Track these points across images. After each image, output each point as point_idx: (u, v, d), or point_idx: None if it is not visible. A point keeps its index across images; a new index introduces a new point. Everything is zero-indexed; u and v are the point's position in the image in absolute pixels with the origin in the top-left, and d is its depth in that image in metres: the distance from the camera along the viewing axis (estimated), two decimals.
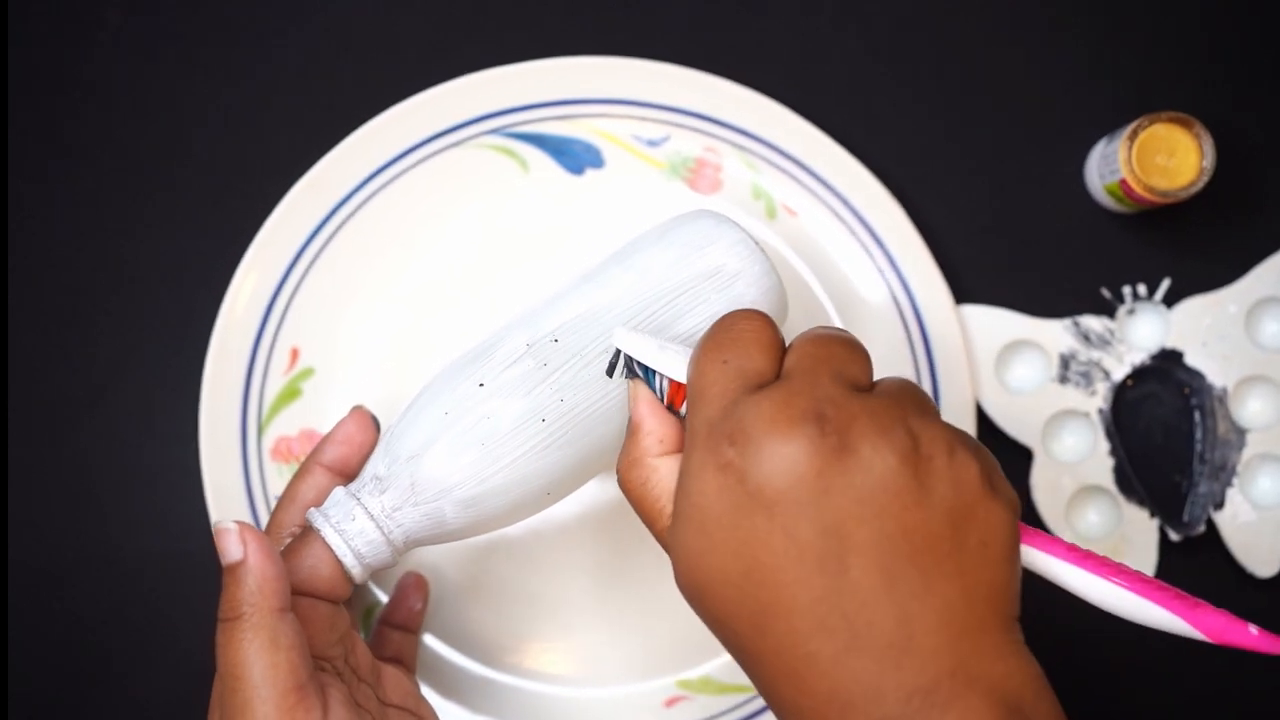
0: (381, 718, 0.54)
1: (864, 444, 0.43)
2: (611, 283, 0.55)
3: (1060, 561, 0.46)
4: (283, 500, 0.58)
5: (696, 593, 0.46)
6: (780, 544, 0.43)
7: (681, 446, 0.50)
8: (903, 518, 0.43)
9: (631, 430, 0.50)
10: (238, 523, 0.50)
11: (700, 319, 0.55)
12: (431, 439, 0.53)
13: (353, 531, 0.53)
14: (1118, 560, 0.65)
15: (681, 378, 0.49)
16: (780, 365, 0.47)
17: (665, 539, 0.49)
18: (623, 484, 0.50)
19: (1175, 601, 0.45)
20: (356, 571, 0.53)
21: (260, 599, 0.49)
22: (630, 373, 0.51)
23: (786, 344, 0.48)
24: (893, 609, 0.43)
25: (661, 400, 0.50)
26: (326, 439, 0.59)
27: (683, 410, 0.50)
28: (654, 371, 0.50)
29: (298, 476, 0.58)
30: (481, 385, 0.53)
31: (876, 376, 0.48)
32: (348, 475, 0.58)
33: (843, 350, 0.47)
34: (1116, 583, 0.46)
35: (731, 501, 0.44)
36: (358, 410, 0.59)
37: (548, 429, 0.53)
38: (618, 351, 0.51)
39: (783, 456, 0.43)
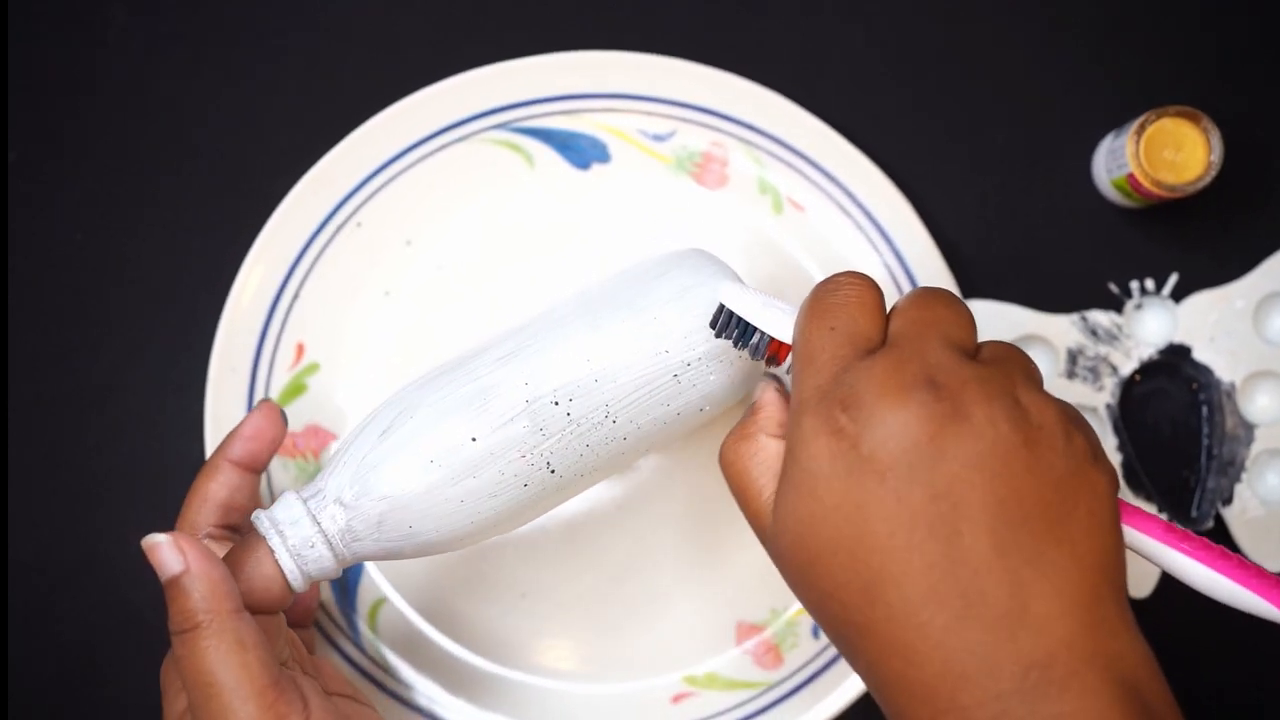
0: (329, 705, 0.53)
1: (977, 410, 0.44)
2: (623, 341, 0.54)
3: (1158, 543, 0.46)
4: (193, 500, 0.56)
5: (805, 563, 0.46)
6: (893, 509, 0.44)
7: (784, 425, 0.50)
8: (1015, 484, 0.43)
9: (753, 410, 0.51)
10: (168, 534, 0.49)
11: (697, 395, 0.54)
12: (411, 486, 0.52)
13: (309, 557, 0.52)
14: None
15: (785, 338, 0.50)
16: (886, 328, 0.47)
17: (761, 517, 0.49)
18: (727, 456, 0.50)
19: (1273, 590, 0.45)
20: (299, 586, 0.52)
21: (214, 603, 0.48)
22: (730, 328, 0.51)
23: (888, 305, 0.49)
24: (1006, 576, 0.43)
25: (761, 356, 0.51)
26: (234, 435, 0.57)
27: (784, 366, 0.51)
28: (754, 328, 0.51)
29: (206, 475, 0.56)
30: (474, 440, 0.52)
31: None
32: (256, 470, 0.57)
33: (948, 314, 0.47)
34: (1214, 567, 0.46)
35: (844, 466, 0.44)
36: (266, 404, 0.58)
37: (527, 493, 0.53)
38: (721, 306, 0.52)
39: (897, 421, 0.44)
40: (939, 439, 0.43)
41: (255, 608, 0.51)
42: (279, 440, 0.58)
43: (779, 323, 0.51)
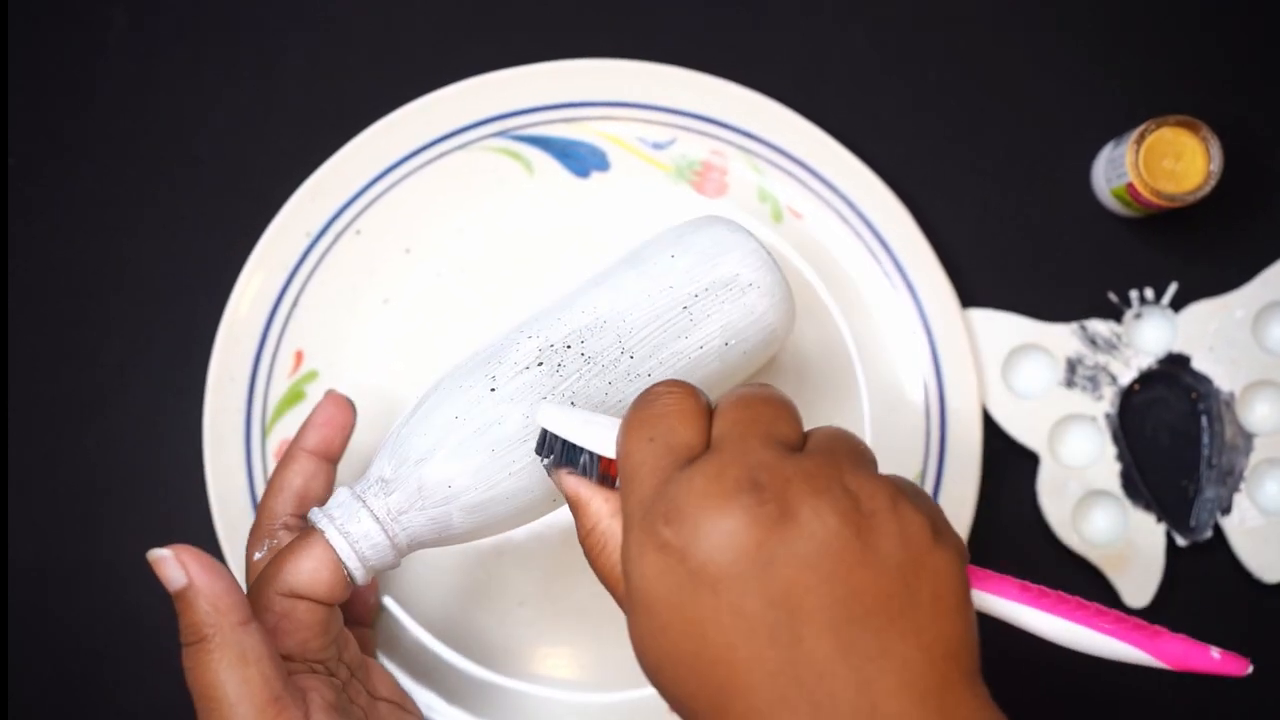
0: (372, 711, 0.55)
1: (803, 507, 0.42)
2: (625, 288, 0.55)
3: (1013, 603, 0.45)
4: (271, 489, 0.57)
5: (653, 674, 0.45)
6: (729, 620, 0.42)
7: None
8: (850, 580, 0.42)
9: (574, 506, 0.49)
10: (172, 548, 0.49)
11: (714, 327, 0.55)
12: (441, 443, 0.53)
13: (358, 534, 0.53)
14: (1123, 567, 0.65)
15: (609, 453, 0.48)
16: (708, 434, 0.46)
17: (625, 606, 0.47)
18: (586, 555, 0.49)
19: (1134, 632, 0.45)
20: (359, 574, 0.53)
21: (218, 617, 0.48)
22: (556, 450, 0.50)
23: (712, 405, 0.47)
24: (851, 675, 0.41)
25: (593, 475, 0.49)
26: (307, 424, 0.58)
27: (617, 483, 0.48)
28: (579, 448, 0.49)
29: (283, 464, 0.58)
30: (493, 390, 0.53)
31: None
32: (331, 458, 0.58)
33: (769, 410, 0.46)
34: (1072, 619, 0.45)
35: (675, 582, 0.43)
36: (332, 393, 0.59)
37: None
38: (544, 431, 0.50)
39: (721, 531, 0.42)
40: (767, 544, 0.42)
41: (309, 595, 0.52)
42: (350, 426, 0.59)
43: (602, 439, 0.49)
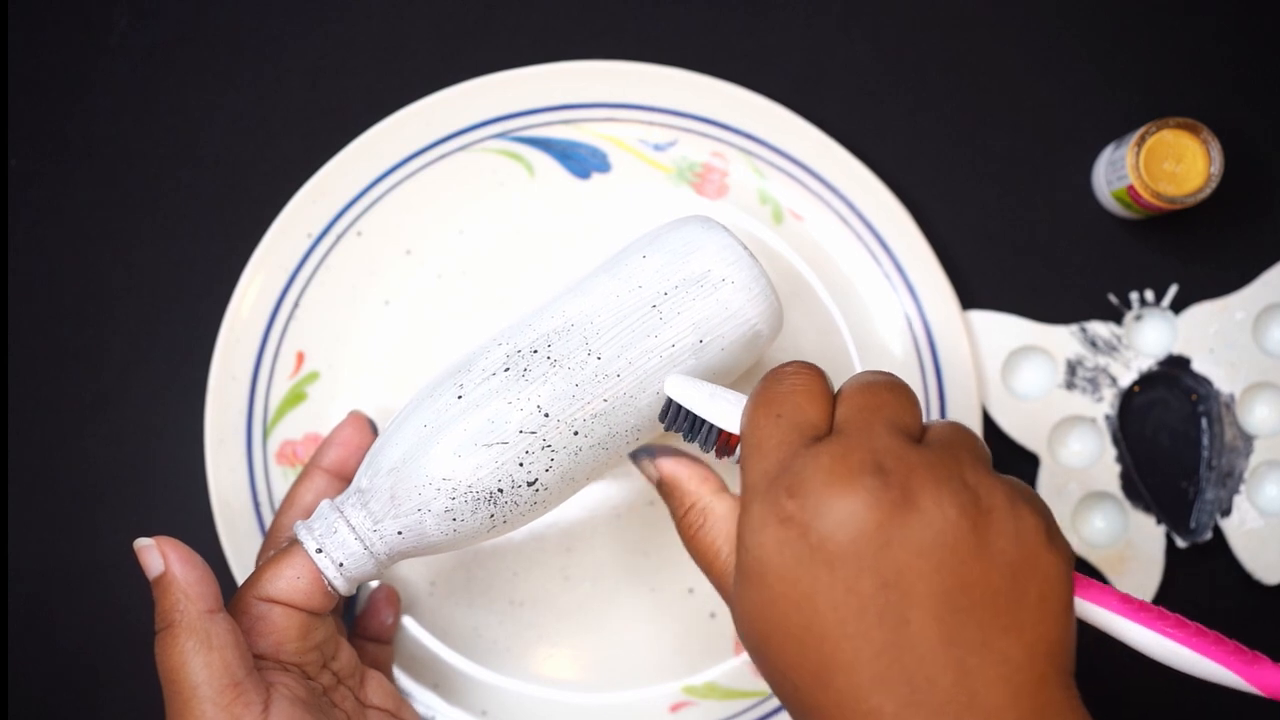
0: (359, 716, 0.56)
1: (925, 496, 0.44)
2: (594, 291, 0.55)
3: (1113, 614, 0.46)
4: (284, 505, 0.59)
5: (758, 645, 0.46)
6: (841, 598, 0.43)
7: (719, 482, 0.51)
8: (962, 571, 0.43)
9: (670, 487, 0.51)
10: (155, 538, 0.52)
11: (688, 324, 0.54)
12: (410, 452, 0.53)
13: (333, 545, 0.53)
14: (1123, 568, 0.65)
15: (732, 428, 0.50)
16: (832, 416, 0.47)
17: (724, 585, 0.49)
18: (684, 539, 0.51)
19: (1231, 656, 0.45)
20: (339, 584, 0.54)
21: (187, 604, 0.50)
22: (678, 420, 0.51)
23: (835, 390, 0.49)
24: (952, 664, 0.43)
25: (713, 448, 0.51)
26: (325, 443, 0.61)
27: (735, 456, 0.50)
28: (702, 420, 0.51)
29: (299, 481, 0.60)
30: (460, 397, 0.54)
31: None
32: (346, 478, 0.60)
33: (893, 398, 0.47)
34: (1171, 636, 0.46)
35: (793, 555, 0.44)
36: (354, 414, 0.62)
37: (525, 440, 0.53)
38: (669, 399, 0.52)
39: (845, 510, 0.44)
40: (887, 527, 0.43)
41: (286, 601, 0.53)
42: (366, 448, 0.60)
43: (726, 413, 0.50)
